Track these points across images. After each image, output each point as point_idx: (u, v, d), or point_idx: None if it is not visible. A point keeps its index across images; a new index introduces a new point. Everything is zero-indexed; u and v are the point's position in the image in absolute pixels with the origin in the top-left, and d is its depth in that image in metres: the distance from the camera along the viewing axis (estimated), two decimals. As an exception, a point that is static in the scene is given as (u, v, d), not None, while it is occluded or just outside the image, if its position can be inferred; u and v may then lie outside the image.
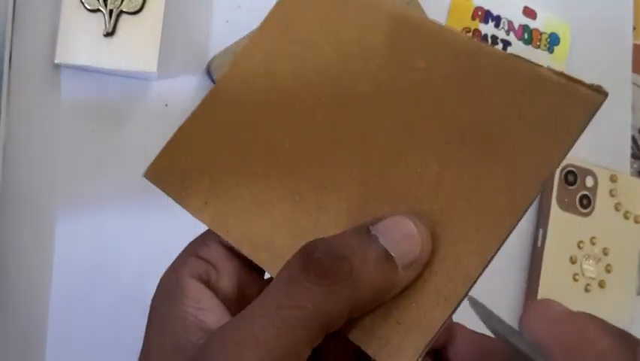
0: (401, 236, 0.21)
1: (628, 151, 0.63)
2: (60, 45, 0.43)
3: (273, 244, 0.24)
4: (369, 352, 0.22)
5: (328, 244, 0.21)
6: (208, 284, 0.24)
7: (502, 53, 0.23)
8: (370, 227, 0.22)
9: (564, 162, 0.58)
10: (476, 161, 0.23)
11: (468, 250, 0.22)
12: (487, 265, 0.22)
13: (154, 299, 0.25)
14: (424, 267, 0.22)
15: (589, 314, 0.20)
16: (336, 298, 0.20)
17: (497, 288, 0.56)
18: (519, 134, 0.22)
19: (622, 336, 0.20)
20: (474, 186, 0.22)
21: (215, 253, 0.25)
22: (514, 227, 0.22)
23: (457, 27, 0.55)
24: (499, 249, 0.22)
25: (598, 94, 0.22)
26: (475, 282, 0.22)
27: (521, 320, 0.21)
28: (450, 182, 0.23)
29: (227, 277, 0.25)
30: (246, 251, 0.24)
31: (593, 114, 0.22)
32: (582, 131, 0.22)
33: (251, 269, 0.25)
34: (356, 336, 0.22)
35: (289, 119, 0.26)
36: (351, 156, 0.24)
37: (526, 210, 0.22)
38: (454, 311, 0.22)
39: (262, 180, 0.25)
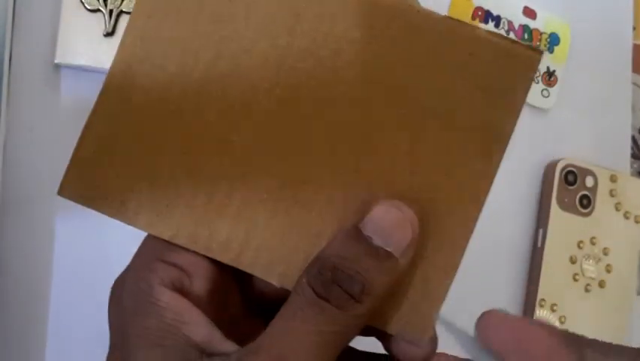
0: (391, 227, 0.22)
1: (628, 151, 0.63)
2: (60, 45, 0.43)
3: (251, 245, 0.23)
4: (388, 330, 0.23)
5: (334, 266, 0.22)
6: (182, 291, 0.23)
7: (437, 15, 0.23)
8: (360, 227, 0.22)
9: (564, 162, 0.58)
10: (441, 132, 0.23)
11: (455, 220, 0.23)
12: (472, 231, 0.23)
13: (118, 310, 0.23)
14: (419, 246, 0.23)
15: (535, 319, 0.22)
16: (358, 314, 0.21)
17: (497, 288, 0.56)
18: (473, 99, 0.23)
19: (568, 336, 0.21)
20: (445, 159, 0.23)
21: (185, 258, 0.24)
22: (489, 190, 0.23)
23: (457, 27, 0.55)
24: (480, 213, 0.23)
25: (535, 53, 0.23)
26: (465, 249, 0.23)
27: (475, 331, 0.22)
28: (423, 158, 0.23)
29: (200, 280, 0.24)
30: (225, 259, 0.23)
31: (535, 72, 0.23)
32: (529, 87, 0.23)
33: (222, 267, 0.24)
34: (373, 320, 0.23)
35: (229, 111, 0.23)
36: (314, 145, 0.23)
37: (496, 172, 0.23)
38: (452, 281, 0.23)
39: (221, 181, 0.23)
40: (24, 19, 0.44)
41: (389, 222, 0.22)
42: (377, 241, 0.22)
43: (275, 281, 0.23)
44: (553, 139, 0.59)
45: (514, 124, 0.23)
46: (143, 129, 0.24)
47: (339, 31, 0.23)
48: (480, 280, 0.54)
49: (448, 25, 0.23)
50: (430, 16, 0.23)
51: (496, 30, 0.56)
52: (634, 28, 0.64)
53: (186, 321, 0.22)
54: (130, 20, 0.24)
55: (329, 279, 0.21)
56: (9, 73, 0.43)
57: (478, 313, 0.24)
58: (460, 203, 0.23)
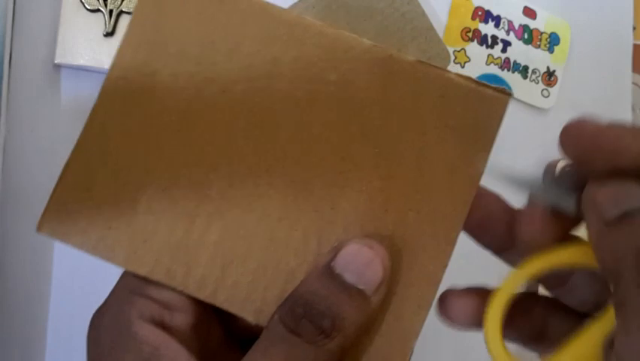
0: (362, 266, 0.22)
1: (628, 151, 0.63)
2: (60, 45, 0.43)
3: (227, 282, 0.24)
4: None
5: (306, 302, 0.22)
6: (162, 326, 0.23)
7: (410, 59, 0.24)
8: (332, 265, 0.22)
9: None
10: (414, 171, 0.24)
11: (429, 256, 0.23)
12: (446, 267, 0.23)
13: (97, 342, 0.23)
14: (392, 282, 0.23)
15: (620, 124, 0.21)
16: (329, 350, 0.21)
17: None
18: (445, 140, 0.24)
19: None
20: (418, 196, 0.24)
21: (165, 292, 0.23)
22: (462, 227, 0.24)
23: (457, 27, 0.55)
24: (453, 249, 0.24)
25: (504, 95, 0.24)
26: (439, 284, 0.23)
27: (560, 141, 0.23)
28: (395, 196, 0.24)
29: (181, 314, 0.24)
30: (201, 296, 0.24)
31: (504, 113, 0.24)
32: (498, 128, 0.24)
33: (202, 301, 0.24)
34: (347, 358, 0.23)
35: (206, 150, 0.24)
36: (291, 183, 0.24)
37: (468, 209, 0.24)
38: (426, 316, 0.23)
39: (198, 218, 0.24)
40: (24, 19, 0.44)
41: (361, 261, 0.22)
42: (349, 278, 0.22)
43: (250, 318, 0.23)
44: (553, 139, 0.59)
45: (484, 163, 0.24)
46: (122, 166, 0.24)
47: (316, 74, 0.24)
48: (479, 282, 0.54)
49: (421, 68, 0.24)
50: (403, 60, 0.24)
51: (496, 30, 0.56)
52: (634, 28, 0.64)
53: (164, 355, 0.22)
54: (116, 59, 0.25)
55: (300, 315, 0.21)
56: (9, 73, 0.43)
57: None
58: (432, 239, 0.24)
